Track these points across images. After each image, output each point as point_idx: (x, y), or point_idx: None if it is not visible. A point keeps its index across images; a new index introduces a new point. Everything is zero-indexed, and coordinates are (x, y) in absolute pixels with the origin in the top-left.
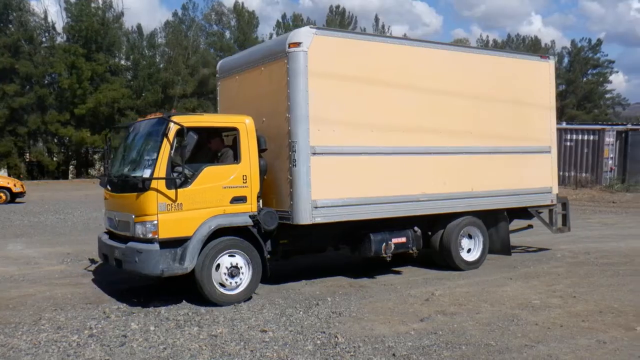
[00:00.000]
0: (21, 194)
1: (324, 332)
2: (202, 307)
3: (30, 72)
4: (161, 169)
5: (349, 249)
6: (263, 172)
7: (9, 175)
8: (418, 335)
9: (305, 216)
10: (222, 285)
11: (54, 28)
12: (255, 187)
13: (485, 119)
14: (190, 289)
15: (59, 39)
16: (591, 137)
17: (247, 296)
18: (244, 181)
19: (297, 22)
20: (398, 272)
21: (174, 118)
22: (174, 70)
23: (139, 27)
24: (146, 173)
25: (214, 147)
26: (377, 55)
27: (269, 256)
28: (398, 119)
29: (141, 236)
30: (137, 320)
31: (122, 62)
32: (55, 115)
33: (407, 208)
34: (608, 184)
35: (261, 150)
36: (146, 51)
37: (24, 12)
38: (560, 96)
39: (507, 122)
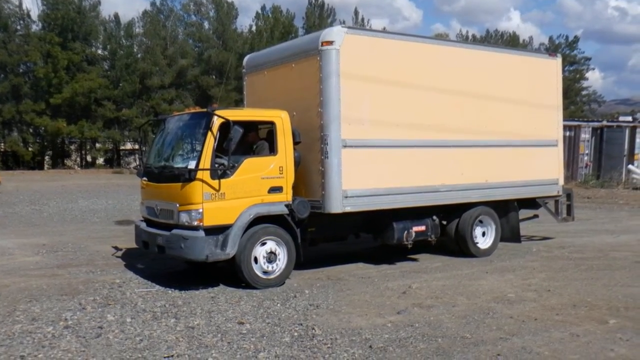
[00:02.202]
0: None
1: (302, 324)
2: (179, 299)
3: (5, 61)
4: (206, 161)
5: (372, 236)
6: (297, 163)
7: None
8: (395, 327)
9: (336, 205)
10: (261, 269)
11: (29, 16)
12: (291, 178)
13: (499, 113)
14: (167, 278)
15: (34, 27)
16: (567, 133)
17: (282, 281)
18: (281, 172)
19: (276, 14)
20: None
21: (218, 112)
22: (152, 61)
23: (116, 16)
24: (191, 164)
25: (250, 139)
26: (403, 54)
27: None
28: (421, 114)
29: (186, 224)
30: (113, 312)
31: (99, 51)
32: (31, 104)
33: (428, 198)
34: (583, 179)
35: (295, 143)
36: (123, 41)
37: None
38: None
39: (518, 117)
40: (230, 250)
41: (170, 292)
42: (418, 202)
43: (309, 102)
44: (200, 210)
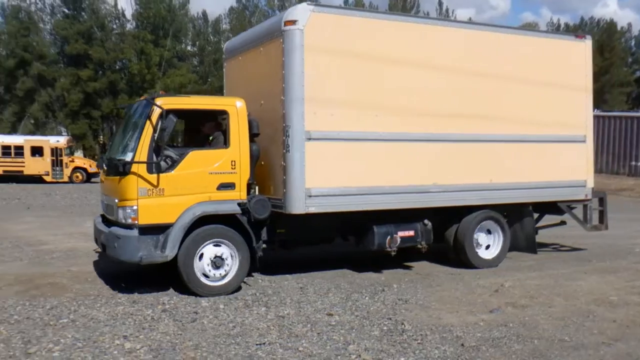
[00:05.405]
0: (96, 174)
1: (390, 319)
2: (269, 288)
3: (103, 58)
4: (142, 153)
5: (354, 241)
6: (255, 157)
7: (85, 156)
8: (487, 326)
9: (298, 205)
10: (206, 275)
11: (123, 15)
12: (245, 174)
13: (510, 103)
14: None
15: (128, 26)
16: None
17: (231, 289)
18: (233, 167)
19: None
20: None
21: (157, 100)
22: None
23: (204, 13)
24: (128, 156)
25: (206, 130)
26: (382, 35)
27: (264, 245)
28: (406, 102)
29: (122, 221)
30: (207, 298)
31: (189, 48)
32: (126, 99)
33: (415, 199)
34: None
35: (254, 135)
36: (211, 37)
37: (96, 0)
38: (638, 82)
39: (534, 108)
40: (170, 253)
41: (260, 281)
42: (401, 204)
43: (273, 89)
44: (135, 207)
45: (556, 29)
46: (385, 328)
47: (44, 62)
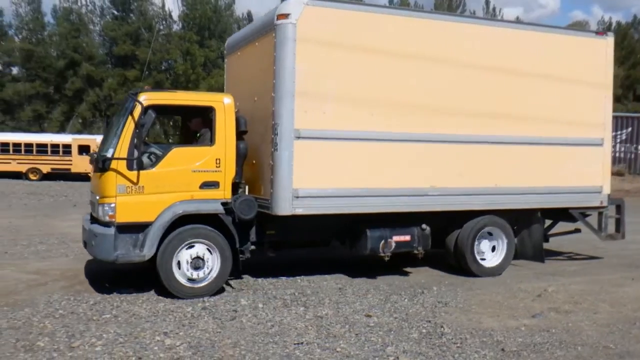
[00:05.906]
0: None
1: (430, 322)
2: (307, 288)
3: (149, 59)
4: (122, 149)
5: (348, 245)
6: (242, 156)
7: None
8: (529, 331)
9: (284, 206)
10: (186, 277)
11: (170, 16)
12: (230, 172)
13: (521, 103)
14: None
15: (175, 27)
16: None
17: (211, 291)
18: (217, 165)
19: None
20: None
21: (140, 95)
22: None
23: (249, 14)
24: (109, 152)
25: (193, 127)
26: (380, 29)
27: (253, 247)
28: (403, 100)
29: (102, 219)
30: (246, 297)
31: None
32: None
33: (409, 203)
34: None
35: (242, 133)
36: None
37: (144, 1)
38: None
39: (548, 108)
40: (147, 252)
41: (299, 280)
42: (395, 208)
43: (266, 85)
44: (113, 205)
45: (607, 28)
46: (424, 331)
47: (92, 62)
